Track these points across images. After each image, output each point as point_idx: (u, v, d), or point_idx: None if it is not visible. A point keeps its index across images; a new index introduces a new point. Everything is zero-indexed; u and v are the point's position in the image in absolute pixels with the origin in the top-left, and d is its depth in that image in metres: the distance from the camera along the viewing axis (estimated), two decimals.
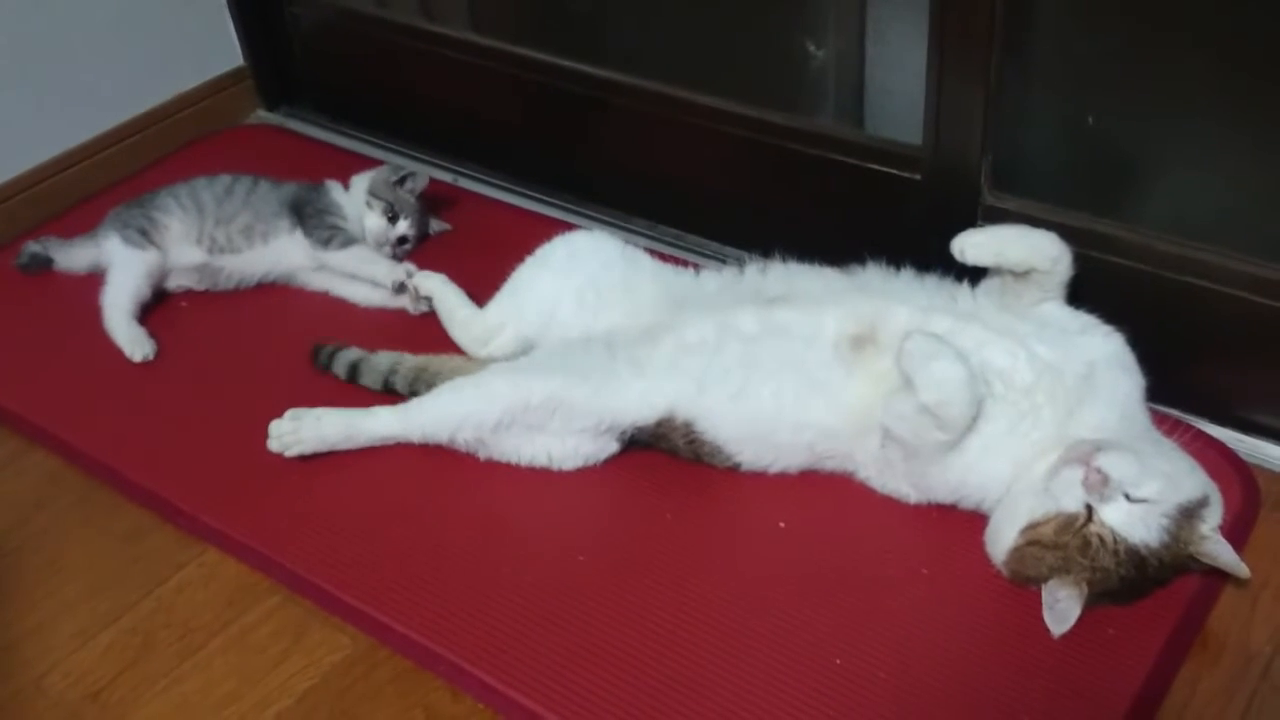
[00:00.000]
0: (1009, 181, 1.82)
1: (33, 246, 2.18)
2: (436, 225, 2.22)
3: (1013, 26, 1.70)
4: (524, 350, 1.85)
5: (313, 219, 2.10)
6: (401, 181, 2.13)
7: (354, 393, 1.86)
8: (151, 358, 1.99)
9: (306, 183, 2.18)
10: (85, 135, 2.43)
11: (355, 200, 2.14)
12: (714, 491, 1.71)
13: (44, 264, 2.18)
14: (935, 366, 1.51)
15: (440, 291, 1.98)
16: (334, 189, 2.16)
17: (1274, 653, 1.48)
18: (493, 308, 1.91)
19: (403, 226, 2.12)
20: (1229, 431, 1.76)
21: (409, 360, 1.86)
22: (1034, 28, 1.75)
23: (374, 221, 2.11)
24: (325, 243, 2.08)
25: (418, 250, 2.18)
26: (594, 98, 2.23)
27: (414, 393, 1.82)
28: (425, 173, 2.20)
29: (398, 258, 2.13)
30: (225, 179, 2.15)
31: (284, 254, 2.11)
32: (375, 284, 2.07)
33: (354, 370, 1.88)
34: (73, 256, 2.16)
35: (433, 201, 2.25)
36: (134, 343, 1.99)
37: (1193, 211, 1.76)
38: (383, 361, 1.87)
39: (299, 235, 2.10)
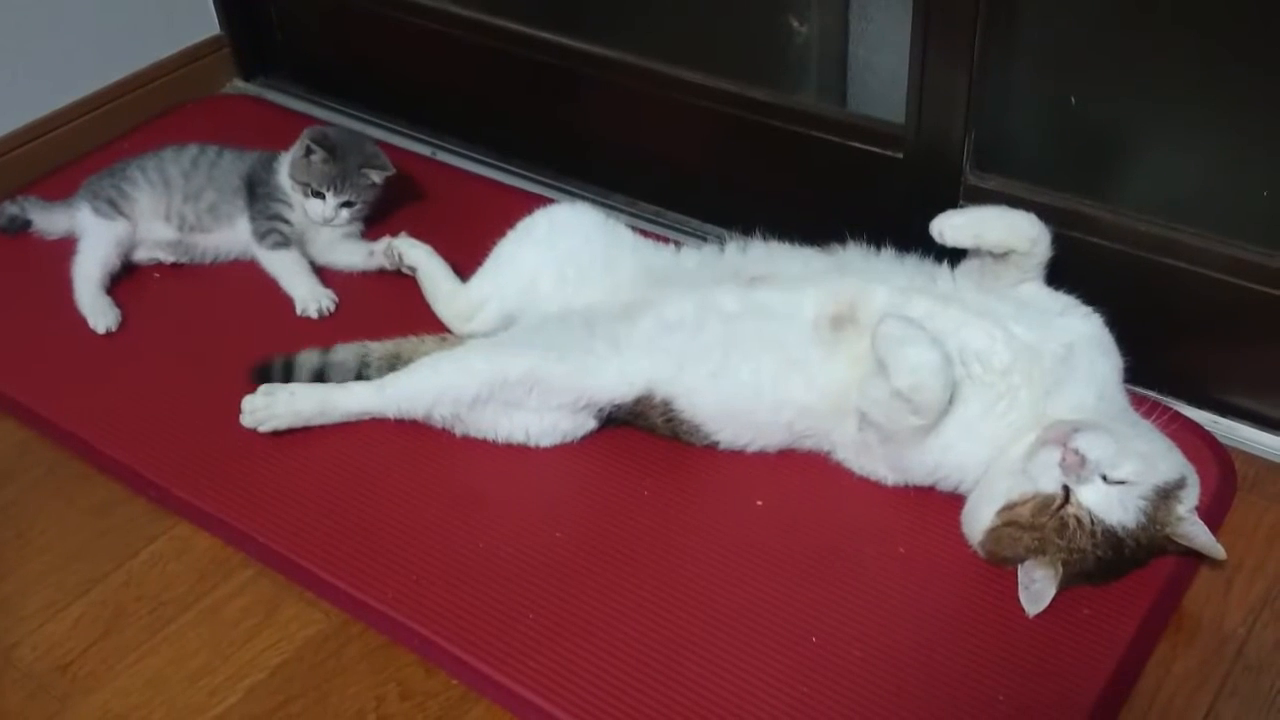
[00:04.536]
0: (991, 161, 1.82)
1: (10, 208, 2.17)
2: (378, 174, 2.07)
3: (997, 5, 1.70)
4: (506, 327, 1.84)
5: (258, 205, 2.06)
6: (308, 154, 2.03)
7: None
8: (115, 329, 1.97)
9: (267, 153, 2.12)
10: (60, 102, 2.40)
11: (288, 187, 2.07)
12: (691, 470, 1.71)
13: (22, 225, 2.16)
14: (908, 351, 1.50)
15: (425, 264, 1.96)
16: (282, 169, 2.08)
17: (1248, 634, 1.48)
18: (476, 282, 1.89)
19: (331, 199, 2.03)
20: (1206, 413, 1.76)
21: (376, 349, 1.80)
22: (1018, 7, 1.74)
23: (309, 207, 2.04)
24: (261, 237, 2.05)
25: (391, 217, 2.15)
26: (575, 71, 2.21)
27: None
28: (322, 130, 2.07)
29: (358, 220, 2.09)
30: (191, 150, 2.12)
31: (247, 233, 2.07)
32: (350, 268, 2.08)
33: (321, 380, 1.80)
34: (50, 220, 2.15)
35: (370, 154, 2.08)
36: (98, 313, 1.98)
37: (1173, 193, 1.76)
38: (349, 360, 1.80)
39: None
